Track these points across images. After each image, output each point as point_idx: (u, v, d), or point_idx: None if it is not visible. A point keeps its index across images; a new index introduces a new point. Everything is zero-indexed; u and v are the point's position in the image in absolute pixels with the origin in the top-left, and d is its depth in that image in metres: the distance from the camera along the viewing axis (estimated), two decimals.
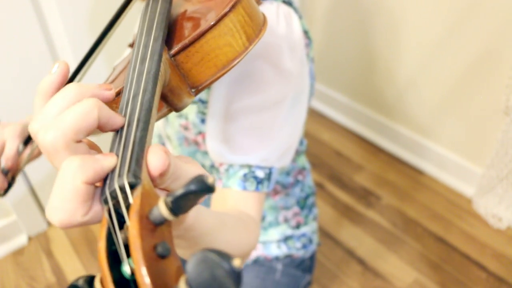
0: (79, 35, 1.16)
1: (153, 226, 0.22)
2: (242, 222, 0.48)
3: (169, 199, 0.21)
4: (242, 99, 0.53)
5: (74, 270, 1.31)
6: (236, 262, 0.18)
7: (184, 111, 0.63)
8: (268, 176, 0.56)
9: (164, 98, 0.37)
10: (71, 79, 0.55)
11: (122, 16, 0.48)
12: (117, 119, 0.28)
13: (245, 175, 0.54)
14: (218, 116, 0.55)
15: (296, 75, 0.56)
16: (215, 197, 0.57)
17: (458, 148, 1.48)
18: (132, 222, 0.21)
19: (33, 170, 1.33)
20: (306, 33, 0.61)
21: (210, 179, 0.21)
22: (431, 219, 1.42)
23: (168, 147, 0.74)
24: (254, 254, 0.81)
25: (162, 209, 0.22)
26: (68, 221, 0.24)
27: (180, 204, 0.21)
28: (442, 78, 1.41)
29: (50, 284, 1.27)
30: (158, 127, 0.72)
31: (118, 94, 0.37)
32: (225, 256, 0.18)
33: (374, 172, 1.62)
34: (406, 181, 1.57)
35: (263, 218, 0.79)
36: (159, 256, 0.21)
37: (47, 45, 1.15)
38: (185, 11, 0.42)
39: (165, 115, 0.39)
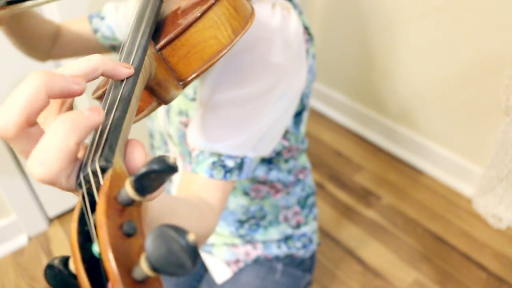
0: None
1: (122, 207, 0.23)
2: (197, 210, 0.48)
3: (132, 178, 0.22)
4: (227, 91, 0.53)
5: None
6: (191, 237, 0.18)
7: (184, 107, 0.63)
8: (239, 165, 0.55)
9: (152, 91, 0.38)
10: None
11: None
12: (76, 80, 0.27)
13: (213, 163, 0.54)
14: (200, 103, 0.56)
15: (289, 69, 0.55)
16: (182, 179, 0.57)
17: (458, 148, 1.48)
18: (99, 202, 0.22)
19: None
20: (306, 29, 0.61)
21: (171, 159, 0.22)
22: (431, 219, 1.42)
23: (169, 145, 0.74)
24: (254, 254, 0.81)
25: (128, 189, 0.22)
26: (51, 180, 0.24)
27: (144, 184, 0.22)
28: (442, 78, 1.41)
29: None
30: (160, 125, 0.72)
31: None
32: (181, 231, 0.18)
33: (374, 172, 1.62)
34: (406, 181, 1.57)
35: (263, 217, 0.79)
36: (125, 234, 0.21)
37: None
38: (177, 8, 0.43)
39: (154, 109, 0.40)
